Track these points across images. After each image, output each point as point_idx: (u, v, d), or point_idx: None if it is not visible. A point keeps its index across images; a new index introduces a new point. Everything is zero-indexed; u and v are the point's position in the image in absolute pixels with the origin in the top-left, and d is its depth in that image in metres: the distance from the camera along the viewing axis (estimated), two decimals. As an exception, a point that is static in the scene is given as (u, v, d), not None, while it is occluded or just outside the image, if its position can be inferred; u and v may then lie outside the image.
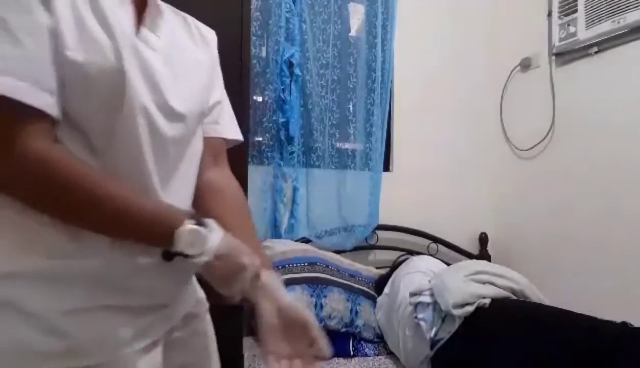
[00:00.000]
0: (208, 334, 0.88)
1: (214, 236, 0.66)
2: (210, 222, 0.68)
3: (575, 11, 2.14)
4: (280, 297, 0.71)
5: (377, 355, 1.93)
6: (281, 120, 2.20)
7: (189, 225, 0.65)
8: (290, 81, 2.20)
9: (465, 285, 1.78)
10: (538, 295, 1.85)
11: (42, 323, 0.60)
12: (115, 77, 0.64)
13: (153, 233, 0.65)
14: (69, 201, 0.61)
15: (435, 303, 1.83)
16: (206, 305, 0.90)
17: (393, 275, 2.15)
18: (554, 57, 2.33)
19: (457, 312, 1.70)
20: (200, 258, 0.65)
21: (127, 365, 0.67)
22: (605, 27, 2.00)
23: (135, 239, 0.66)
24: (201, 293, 0.89)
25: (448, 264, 2.28)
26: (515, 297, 1.80)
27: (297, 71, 2.21)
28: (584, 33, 2.10)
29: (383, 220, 2.40)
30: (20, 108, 0.57)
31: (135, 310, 0.68)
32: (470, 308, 1.69)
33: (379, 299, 2.09)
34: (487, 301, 1.70)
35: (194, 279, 0.88)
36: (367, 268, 2.24)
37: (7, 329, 0.59)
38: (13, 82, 0.56)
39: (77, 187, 0.61)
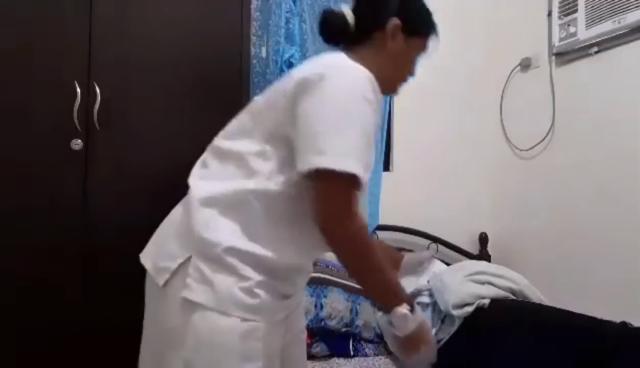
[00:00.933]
0: (302, 321, 1.19)
1: (412, 322, 0.94)
2: (417, 309, 0.96)
3: (576, 11, 2.14)
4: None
5: (377, 355, 1.93)
6: (281, 120, 2.19)
7: (403, 310, 0.94)
8: (290, 81, 2.20)
9: (465, 286, 1.79)
10: (538, 295, 1.85)
11: (247, 285, 0.90)
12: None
13: (382, 300, 0.97)
14: (356, 257, 0.93)
15: (434, 304, 1.84)
16: (303, 301, 1.23)
17: (393, 275, 2.15)
18: (554, 57, 2.33)
19: (456, 312, 1.70)
20: (396, 331, 0.96)
21: (277, 326, 0.98)
22: (606, 27, 1.99)
23: (371, 295, 1.00)
24: None
25: (448, 264, 2.28)
26: (514, 297, 1.80)
27: (297, 71, 2.21)
28: (584, 33, 2.10)
29: (383, 220, 2.40)
30: (360, 190, 0.91)
31: (284, 295, 0.99)
32: (469, 309, 1.69)
33: (379, 299, 2.09)
34: (487, 301, 1.70)
35: None
36: (367, 268, 2.24)
37: (230, 284, 0.89)
38: (364, 173, 0.89)
39: (370, 255, 0.92)
